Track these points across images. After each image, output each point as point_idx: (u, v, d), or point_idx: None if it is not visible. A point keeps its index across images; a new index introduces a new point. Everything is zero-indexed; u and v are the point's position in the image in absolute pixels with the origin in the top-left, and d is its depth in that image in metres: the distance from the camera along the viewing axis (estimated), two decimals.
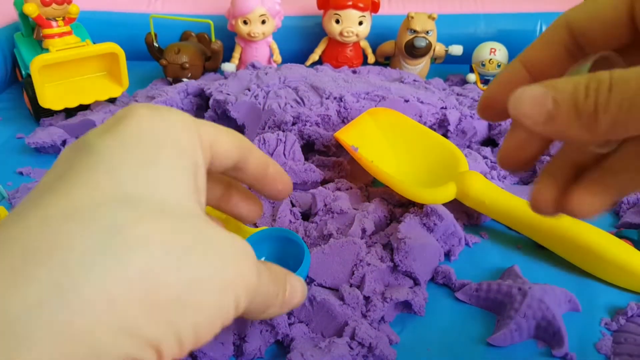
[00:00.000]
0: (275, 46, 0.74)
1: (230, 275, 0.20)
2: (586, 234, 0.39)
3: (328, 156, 0.51)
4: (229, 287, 0.20)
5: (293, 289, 0.26)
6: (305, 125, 0.51)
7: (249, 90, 0.57)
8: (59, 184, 0.19)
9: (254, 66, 0.68)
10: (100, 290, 0.16)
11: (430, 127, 0.55)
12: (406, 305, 0.36)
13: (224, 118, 0.58)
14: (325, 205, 0.42)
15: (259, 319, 0.26)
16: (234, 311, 0.21)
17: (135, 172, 0.19)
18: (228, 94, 0.57)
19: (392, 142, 0.50)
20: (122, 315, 0.17)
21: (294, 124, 0.52)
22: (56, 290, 0.16)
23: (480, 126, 0.56)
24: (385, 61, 0.77)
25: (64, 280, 0.16)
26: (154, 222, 0.18)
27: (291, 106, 0.53)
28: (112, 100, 0.62)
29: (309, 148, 0.52)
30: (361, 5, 0.69)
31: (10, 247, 0.17)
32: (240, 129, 0.57)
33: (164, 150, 0.21)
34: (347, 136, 0.48)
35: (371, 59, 0.76)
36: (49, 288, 0.16)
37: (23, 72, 0.64)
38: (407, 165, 0.48)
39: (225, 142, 0.24)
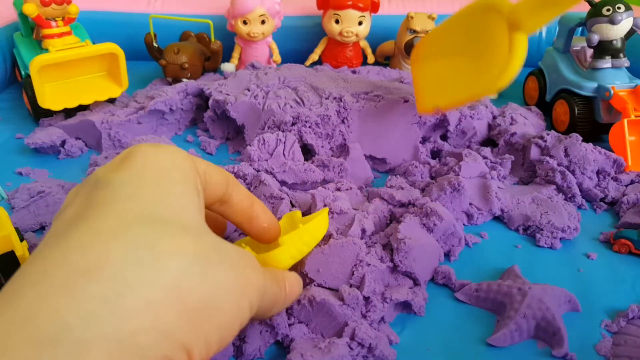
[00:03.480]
0: (274, 46, 0.74)
1: (244, 281, 0.23)
2: None
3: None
4: (244, 291, 0.23)
5: (291, 283, 0.29)
6: (305, 125, 0.51)
7: (249, 90, 0.57)
8: (87, 213, 0.21)
9: (253, 66, 0.68)
10: (141, 298, 0.19)
11: (430, 126, 0.55)
12: (406, 306, 0.36)
13: (224, 118, 0.58)
14: (325, 205, 0.42)
15: (267, 317, 0.29)
16: (249, 312, 0.24)
17: (153, 196, 0.22)
18: (227, 94, 0.57)
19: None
20: (160, 320, 0.19)
21: (293, 124, 0.52)
22: (105, 302, 0.18)
23: (480, 126, 0.56)
24: (384, 61, 0.77)
25: (110, 293, 0.18)
26: (180, 237, 0.21)
27: (291, 106, 0.53)
28: (111, 101, 0.62)
29: (309, 148, 0.52)
30: (361, 5, 0.69)
31: (58, 267, 0.19)
32: (240, 129, 0.57)
33: (173, 177, 0.24)
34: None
35: (371, 59, 0.76)
36: (98, 301, 0.18)
37: (22, 73, 0.64)
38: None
39: (215, 175, 0.27)
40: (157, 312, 0.19)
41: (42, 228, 0.44)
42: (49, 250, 0.20)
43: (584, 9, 0.58)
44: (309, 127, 0.51)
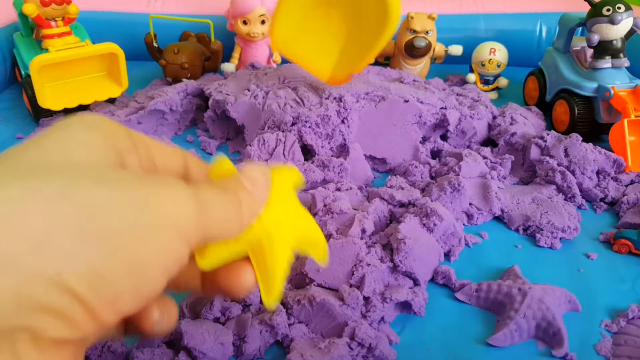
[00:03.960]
0: None
1: (139, 196, 0.18)
2: None
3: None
4: (147, 209, 0.18)
5: (252, 180, 0.23)
6: (305, 125, 0.51)
7: (249, 90, 0.57)
8: None
9: (253, 66, 0.68)
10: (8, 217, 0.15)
11: (430, 126, 0.55)
12: (406, 306, 0.36)
13: (224, 118, 0.58)
14: (325, 205, 0.42)
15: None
16: (175, 235, 0.18)
17: (28, 143, 0.18)
18: (227, 94, 0.57)
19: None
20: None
21: (293, 124, 0.52)
22: None
23: (480, 126, 0.56)
24: (385, 61, 0.77)
25: None
26: (33, 166, 0.17)
27: (291, 106, 0.53)
28: (111, 101, 0.62)
29: (308, 148, 0.52)
30: None
31: None
32: (240, 129, 0.57)
33: (70, 127, 0.19)
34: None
35: None
36: None
37: (22, 73, 0.64)
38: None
39: (164, 148, 0.23)
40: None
41: None
42: None
43: (584, 9, 0.58)
44: (309, 127, 0.51)
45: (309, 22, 0.51)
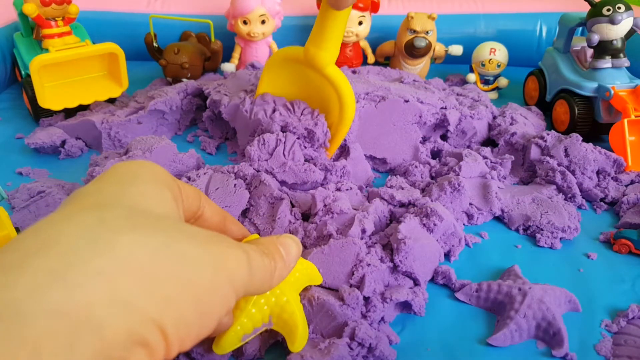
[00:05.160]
0: (275, 46, 0.74)
1: (216, 255, 0.22)
2: None
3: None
4: (218, 265, 0.22)
5: (287, 248, 0.28)
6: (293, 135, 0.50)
7: (246, 91, 0.57)
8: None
9: (253, 66, 0.68)
10: (91, 269, 0.18)
11: (430, 126, 0.55)
12: (406, 306, 0.36)
13: (222, 118, 0.58)
14: (325, 205, 0.42)
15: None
16: (229, 288, 0.22)
17: (113, 189, 0.22)
18: (225, 95, 0.57)
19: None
20: (117, 291, 0.18)
21: (283, 131, 0.50)
22: (51, 275, 0.17)
23: (480, 126, 0.56)
24: (385, 61, 0.77)
25: (59, 266, 0.18)
26: (135, 218, 0.21)
27: (280, 114, 0.52)
28: (111, 101, 0.62)
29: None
30: (361, 5, 0.69)
31: (11, 251, 0.19)
32: (234, 131, 0.57)
33: (140, 177, 0.24)
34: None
35: (371, 59, 0.76)
36: (45, 273, 0.17)
37: (22, 72, 0.64)
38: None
39: (189, 189, 0.28)
40: (112, 282, 0.18)
41: None
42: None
43: (584, 8, 0.58)
44: (297, 138, 0.49)
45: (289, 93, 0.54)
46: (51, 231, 0.19)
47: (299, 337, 0.30)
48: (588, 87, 0.57)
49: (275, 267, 0.26)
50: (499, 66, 0.70)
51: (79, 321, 0.17)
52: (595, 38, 0.55)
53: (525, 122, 0.57)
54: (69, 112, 0.60)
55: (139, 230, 0.20)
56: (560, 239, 0.43)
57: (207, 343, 0.31)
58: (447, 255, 0.41)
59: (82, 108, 0.60)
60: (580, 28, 0.67)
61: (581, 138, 0.50)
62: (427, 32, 0.69)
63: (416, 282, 0.38)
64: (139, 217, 0.21)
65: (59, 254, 0.18)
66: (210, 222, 0.30)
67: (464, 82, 0.73)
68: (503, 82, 0.71)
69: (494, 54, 0.69)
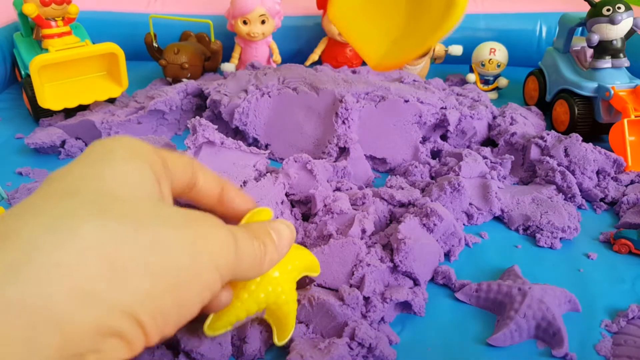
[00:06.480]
0: (274, 46, 0.74)
1: (194, 238, 0.21)
2: None
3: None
4: (197, 249, 0.21)
5: (279, 232, 0.26)
6: None
7: (246, 92, 0.57)
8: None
9: (253, 66, 0.68)
10: (51, 261, 0.17)
11: (430, 126, 0.55)
12: (406, 306, 0.36)
13: (221, 118, 0.58)
14: (325, 205, 0.42)
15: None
16: (214, 272, 0.21)
17: (83, 171, 0.21)
18: (225, 94, 0.57)
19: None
20: (81, 282, 0.17)
21: None
22: (9, 267, 0.17)
23: (480, 126, 0.56)
24: None
25: (17, 258, 0.17)
26: (103, 204, 0.19)
27: None
28: (111, 101, 0.62)
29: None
30: None
31: None
32: (238, 129, 0.57)
33: (116, 155, 0.22)
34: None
35: None
36: (2, 266, 0.17)
37: (22, 72, 0.64)
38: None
39: (177, 160, 0.25)
40: (72, 274, 0.17)
41: None
42: None
43: (584, 8, 0.58)
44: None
45: (372, 2, 0.49)
46: (14, 224, 0.18)
47: (288, 329, 0.30)
48: (588, 87, 0.57)
49: (266, 252, 0.25)
50: (498, 66, 0.70)
51: (38, 315, 0.16)
52: (595, 38, 0.55)
53: (525, 122, 0.57)
54: (68, 112, 0.60)
55: (106, 217, 0.19)
56: (560, 239, 0.43)
57: (199, 324, 0.29)
58: (447, 255, 0.41)
59: (82, 108, 0.59)
60: (580, 28, 0.67)
61: (581, 138, 0.50)
62: None
63: (416, 282, 0.38)
64: (109, 202, 0.20)
65: (18, 248, 0.17)
66: (206, 191, 0.28)
67: (464, 82, 0.73)
68: (503, 82, 0.71)
69: (494, 54, 0.69)
